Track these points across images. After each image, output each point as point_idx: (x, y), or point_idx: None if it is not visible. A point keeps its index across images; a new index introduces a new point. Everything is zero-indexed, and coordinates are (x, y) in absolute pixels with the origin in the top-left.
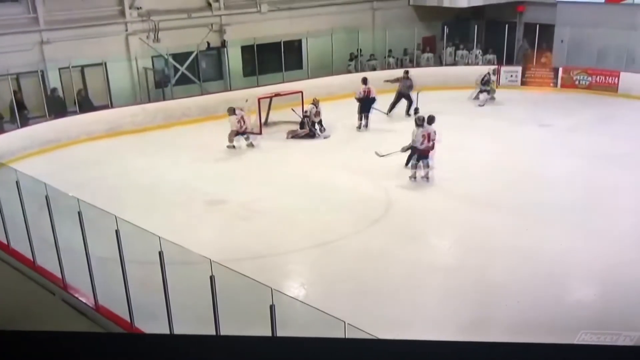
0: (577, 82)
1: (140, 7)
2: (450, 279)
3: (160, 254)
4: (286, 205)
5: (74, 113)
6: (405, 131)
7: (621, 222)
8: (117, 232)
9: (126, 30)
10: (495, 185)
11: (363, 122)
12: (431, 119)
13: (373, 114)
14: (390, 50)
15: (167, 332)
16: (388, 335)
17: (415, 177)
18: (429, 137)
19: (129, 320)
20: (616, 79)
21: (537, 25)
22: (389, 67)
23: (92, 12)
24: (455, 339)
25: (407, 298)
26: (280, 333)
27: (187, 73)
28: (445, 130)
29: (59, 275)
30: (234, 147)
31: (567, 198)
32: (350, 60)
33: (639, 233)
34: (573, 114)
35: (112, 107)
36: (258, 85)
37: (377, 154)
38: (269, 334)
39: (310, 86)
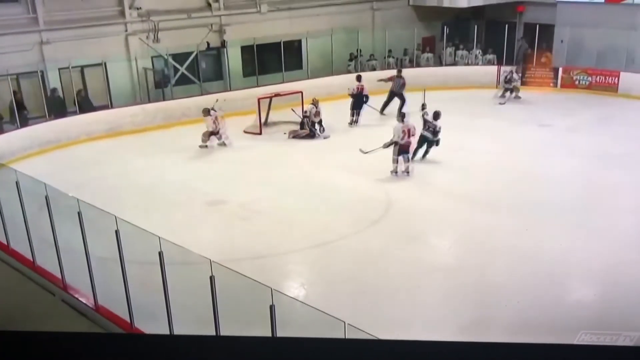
0: (577, 82)
1: (140, 8)
2: (450, 279)
3: (160, 254)
4: (286, 206)
5: (74, 113)
6: (388, 125)
7: (621, 222)
8: (117, 232)
9: (126, 30)
10: (495, 185)
11: (354, 118)
12: (437, 115)
13: (367, 113)
14: (390, 51)
15: (167, 332)
16: (388, 335)
17: (396, 172)
18: (409, 133)
19: (128, 321)
20: (616, 79)
21: (537, 25)
22: (388, 67)
23: (92, 12)
24: (455, 339)
25: (407, 298)
26: (280, 333)
27: (187, 73)
28: (446, 130)
29: (59, 276)
30: (206, 146)
31: (567, 198)
32: (350, 60)
33: (639, 233)
34: (573, 114)
35: (112, 107)
36: (258, 86)
37: (361, 151)
38: (269, 334)
39: (310, 86)
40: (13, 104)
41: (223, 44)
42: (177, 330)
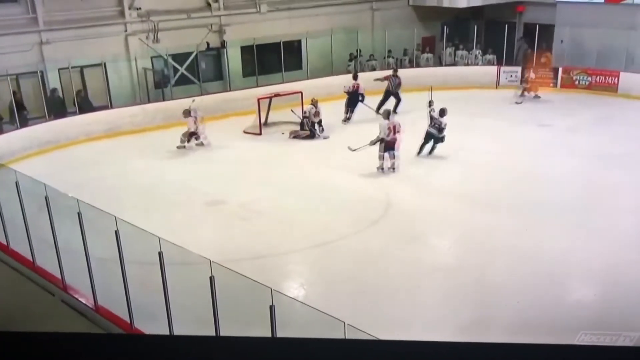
0: (576, 82)
1: (140, 8)
2: (450, 279)
3: (160, 254)
4: (286, 206)
5: (74, 114)
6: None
7: (621, 222)
8: (116, 232)
9: (126, 30)
10: (495, 185)
11: (348, 115)
12: (443, 112)
13: (364, 112)
14: (389, 51)
15: (167, 332)
16: (388, 335)
17: (382, 168)
18: (394, 129)
19: (128, 321)
20: (616, 79)
21: (537, 26)
22: (388, 67)
23: (92, 12)
24: (455, 339)
25: (407, 298)
26: (280, 334)
27: (186, 73)
28: (445, 130)
29: (59, 276)
30: (184, 147)
31: (567, 198)
32: (350, 60)
33: (639, 233)
34: (573, 114)
35: (111, 107)
36: (257, 86)
37: (349, 148)
38: (269, 334)
39: (309, 86)
40: (13, 104)
41: (223, 44)
42: (177, 331)
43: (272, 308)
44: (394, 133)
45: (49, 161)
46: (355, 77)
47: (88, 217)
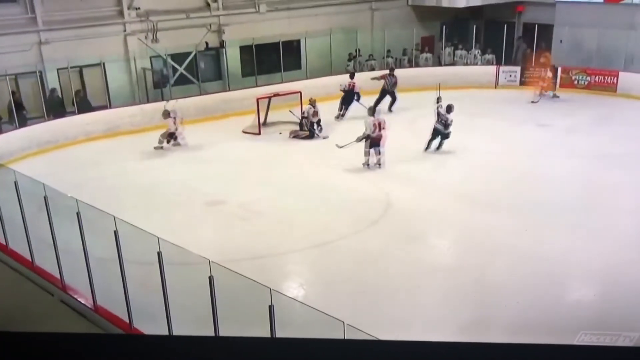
0: (576, 82)
1: (139, 8)
2: (450, 279)
3: (159, 254)
4: (286, 206)
5: (73, 113)
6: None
7: (621, 222)
8: (115, 232)
9: (124, 30)
10: (495, 185)
11: (341, 112)
12: (449, 108)
13: (358, 109)
14: (389, 51)
15: (166, 333)
16: (388, 335)
17: (368, 164)
18: (379, 126)
19: (127, 321)
20: (615, 78)
21: (536, 25)
22: (387, 67)
23: (91, 12)
24: (455, 339)
25: (407, 298)
26: (279, 334)
27: (185, 73)
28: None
29: (58, 276)
30: (161, 148)
31: (567, 198)
32: (349, 60)
33: (639, 233)
34: (572, 114)
35: (110, 107)
36: (257, 86)
37: (337, 145)
38: (268, 334)
39: (309, 86)
40: (12, 104)
41: (222, 44)
42: (176, 331)
43: (271, 308)
44: (380, 130)
45: (48, 161)
46: (352, 76)
47: (87, 217)
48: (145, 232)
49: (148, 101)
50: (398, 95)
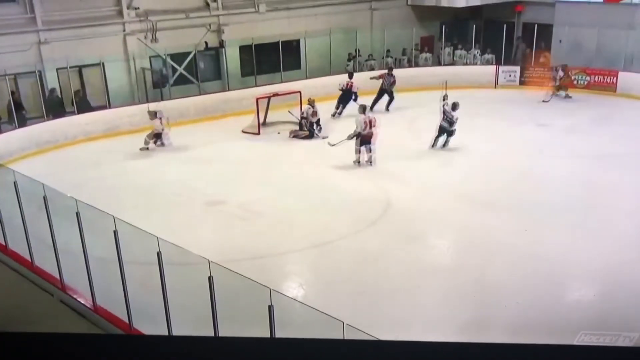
0: (575, 82)
1: (138, 7)
2: (449, 279)
3: (159, 254)
4: (285, 206)
5: (72, 113)
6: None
7: (621, 222)
8: (115, 232)
9: (124, 30)
10: (495, 185)
11: (338, 110)
12: (455, 106)
13: (355, 108)
14: (388, 51)
15: (166, 333)
16: (387, 336)
17: (359, 162)
18: (370, 124)
19: (127, 322)
20: (615, 78)
21: (536, 25)
22: (387, 67)
23: (90, 12)
24: (455, 339)
25: (407, 298)
26: (279, 334)
27: (185, 73)
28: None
29: (57, 276)
30: (147, 148)
31: (567, 198)
32: (349, 60)
33: (639, 233)
34: (572, 114)
35: (109, 107)
36: (256, 85)
37: (329, 144)
38: (268, 334)
39: (308, 86)
40: (11, 104)
41: (221, 44)
42: (176, 331)
43: (271, 308)
44: (370, 127)
45: (48, 161)
46: (350, 76)
47: (87, 217)
48: (145, 232)
49: (147, 101)
50: (396, 94)
